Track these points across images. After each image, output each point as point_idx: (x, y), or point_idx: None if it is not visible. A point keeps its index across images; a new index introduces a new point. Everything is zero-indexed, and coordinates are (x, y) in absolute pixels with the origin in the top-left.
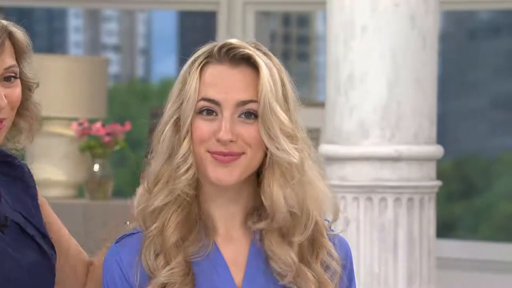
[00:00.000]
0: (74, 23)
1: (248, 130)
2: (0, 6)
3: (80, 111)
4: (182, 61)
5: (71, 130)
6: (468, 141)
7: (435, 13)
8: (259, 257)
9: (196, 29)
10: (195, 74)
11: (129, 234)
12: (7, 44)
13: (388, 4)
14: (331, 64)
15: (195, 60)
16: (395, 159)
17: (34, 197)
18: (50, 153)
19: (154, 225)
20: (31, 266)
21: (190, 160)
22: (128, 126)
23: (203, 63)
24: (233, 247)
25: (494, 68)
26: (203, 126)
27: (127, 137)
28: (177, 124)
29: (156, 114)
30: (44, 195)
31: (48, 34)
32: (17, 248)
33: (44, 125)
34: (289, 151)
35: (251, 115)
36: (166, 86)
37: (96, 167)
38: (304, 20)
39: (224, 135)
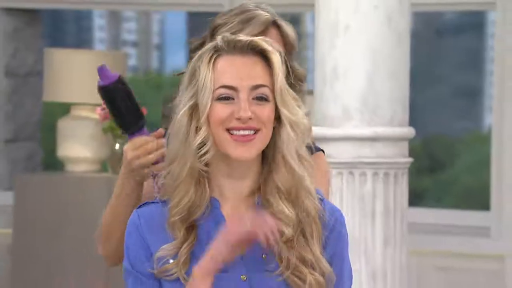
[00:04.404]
0: (99, 22)
1: (262, 110)
2: (36, 8)
3: None
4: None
5: (96, 114)
6: (435, 124)
7: (409, 14)
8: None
9: (202, 28)
10: (208, 66)
11: (150, 202)
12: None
13: (368, 6)
14: (318, 59)
15: (202, 55)
16: (373, 139)
17: None
18: (77, 133)
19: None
20: None
21: (209, 143)
22: (144, 111)
23: (214, 56)
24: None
25: (457, 63)
26: (223, 109)
27: None
28: (192, 112)
29: (167, 100)
30: (73, 170)
31: (77, 32)
32: None
33: (72, 110)
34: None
35: (263, 98)
36: (177, 77)
37: (117, 146)
38: (295, 20)
39: (243, 113)
